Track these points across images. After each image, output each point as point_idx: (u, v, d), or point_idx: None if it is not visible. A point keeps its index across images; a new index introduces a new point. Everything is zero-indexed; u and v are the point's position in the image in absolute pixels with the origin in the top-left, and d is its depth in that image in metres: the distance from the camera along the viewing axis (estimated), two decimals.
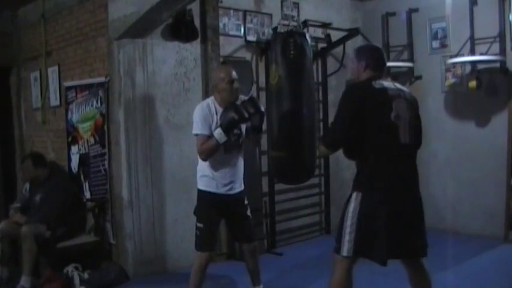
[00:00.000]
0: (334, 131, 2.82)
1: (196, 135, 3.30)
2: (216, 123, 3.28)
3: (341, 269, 2.70)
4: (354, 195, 2.69)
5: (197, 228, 3.38)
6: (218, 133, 3.20)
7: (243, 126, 3.41)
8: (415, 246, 2.74)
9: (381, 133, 2.66)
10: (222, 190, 3.36)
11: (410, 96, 2.83)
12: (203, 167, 3.39)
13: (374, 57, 2.84)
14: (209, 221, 3.38)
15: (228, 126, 3.20)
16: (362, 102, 2.67)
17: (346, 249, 2.66)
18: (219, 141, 3.20)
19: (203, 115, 3.30)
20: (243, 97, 3.43)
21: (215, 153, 3.27)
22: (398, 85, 2.84)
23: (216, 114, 3.31)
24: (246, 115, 3.23)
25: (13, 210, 4.49)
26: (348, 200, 2.72)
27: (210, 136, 3.24)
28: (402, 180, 2.68)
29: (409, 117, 2.71)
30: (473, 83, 5.10)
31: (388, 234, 2.61)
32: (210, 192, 3.37)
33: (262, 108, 3.35)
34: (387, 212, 2.60)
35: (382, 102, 2.67)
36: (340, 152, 2.86)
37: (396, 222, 2.62)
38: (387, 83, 2.77)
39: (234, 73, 3.35)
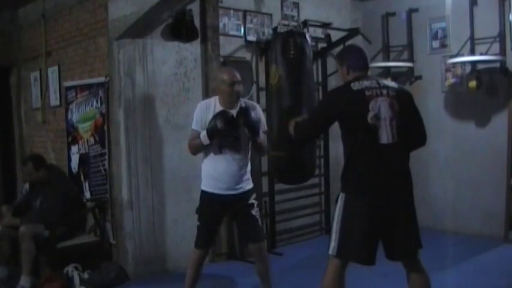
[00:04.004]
0: (307, 126, 2.88)
1: (193, 129, 3.36)
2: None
3: (331, 268, 2.73)
4: (340, 195, 2.75)
5: (197, 225, 3.43)
6: (203, 135, 3.24)
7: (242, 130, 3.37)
8: (404, 247, 2.72)
9: (358, 135, 2.66)
10: (222, 190, 3.35)
11: (400, 92, 2.77)
12: (204, 166, 3.41)
13: (354, 59, 2.85)
14: (206, 220, 3.40)
15: (210, 133, 3.21)
16: (340, 106, 2.71)
17: (331, 247, 2.72)
18: (202, 142, 3.24)
19: (200, 112, 3.35)
20: (244, 101, 3.45)
21: (200, 151, 3.34)
22: (385, 82, 2.80)
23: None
24: (231, 127, 3.19)
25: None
26: (336, 200, 2.78)
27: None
28: (385, 181, 2.65)
29: (392, 116, 2.65)
30: (473, 83, 5.09)
31: (369, 235, 2.65)
32: (208, 192, 3.38)
33: (255, 118, 3.26)
34: (368, 213, 2.63)
35: (358, 104, 2.67)
36: (340, 152, 2.86)
37: (379, 223, 2.65)
38: (368, 82, 2.73)
39: (237, 76, 3.34)
